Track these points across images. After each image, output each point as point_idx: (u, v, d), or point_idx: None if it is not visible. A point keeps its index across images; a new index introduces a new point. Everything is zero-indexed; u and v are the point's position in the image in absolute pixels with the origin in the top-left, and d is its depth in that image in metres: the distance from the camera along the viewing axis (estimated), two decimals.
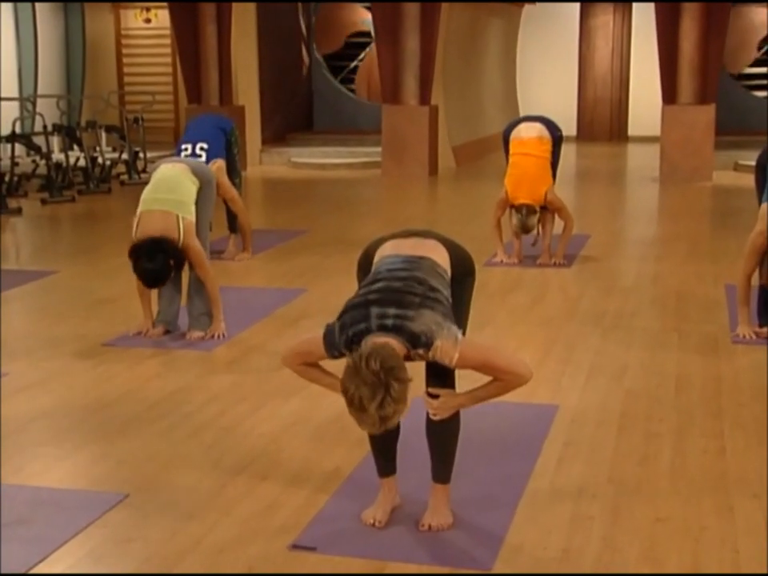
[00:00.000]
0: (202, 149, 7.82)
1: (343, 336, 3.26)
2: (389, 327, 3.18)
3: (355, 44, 18.32)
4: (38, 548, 3.38)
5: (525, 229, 7.59)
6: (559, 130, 7.91)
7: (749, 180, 6.84)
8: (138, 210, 5.74)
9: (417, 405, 3.54)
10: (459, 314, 3.43)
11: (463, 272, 3.53)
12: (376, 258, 3.53)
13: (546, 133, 7.77)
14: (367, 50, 17.89)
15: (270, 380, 5.19)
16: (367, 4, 16.31)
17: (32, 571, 3.25)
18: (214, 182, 6.06)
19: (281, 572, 3.23)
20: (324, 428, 4.50)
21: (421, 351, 3.21)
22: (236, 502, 3.75)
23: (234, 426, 4.53)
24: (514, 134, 7.85)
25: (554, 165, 7.87)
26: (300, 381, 5.08)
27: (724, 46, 13.53)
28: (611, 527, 3.52)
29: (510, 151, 7.81)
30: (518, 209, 7.57)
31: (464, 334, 3.38)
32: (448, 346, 3.19)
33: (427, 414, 3.44)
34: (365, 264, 3.59)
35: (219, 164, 7.78)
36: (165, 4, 15.45)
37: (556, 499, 3.75)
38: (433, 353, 3.21)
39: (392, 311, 3.20)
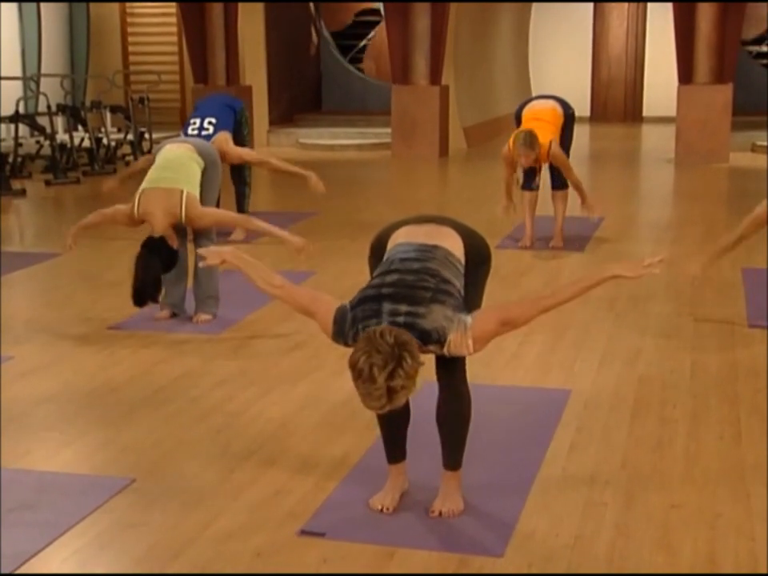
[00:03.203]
0: (210, 123, 7.79)
1: (354, 329, 3.23)
2: (400, 324, 3.15)
3: (364, 23, 18.23)
4: (44, 533, 3.34)
5: (528, 146, 7.42)
6: (571, 108, 7.83)
7: (766, 161, 6.75)
8: (140, 188, 5.69)
9: (428, 389, 3.49)
10: (473, 302, 3.39)
11: (478, 260, 3.48)
12: (389, 245, 3.49)
13: (559, 109, 7.70)
14: (376, 28, 17.80)
15: (277, 364, 5.13)
16: None
17: (37, 556, 3.20)
18: (219, 163, 5.98)
19: (289, 558, 3.18)
20: (333, 413, 4.45)
21: (432, 347, 3.20)
22: (243, 487, 3.70)
23: (241, 411, 4.48)
24: (526, 109, 7.77)
25: (567, 145, 7.78)
26: (308, 365, 5.07)
27: (742, 24, 13.38)
28: (624, 514, 3.46)
29: (522, 122, 7.71)
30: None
31: None
32: (459, 337, 3.17)
33: (438, 400, 3.38)
34: (378, 249, 3.54)
35: (225, 136, 7.75)
36: None
37: (568, 485, 3.69)
38: (447, 348, 3.19)
39: (404, 308, 3.17)
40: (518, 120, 7.84)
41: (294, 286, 3.55)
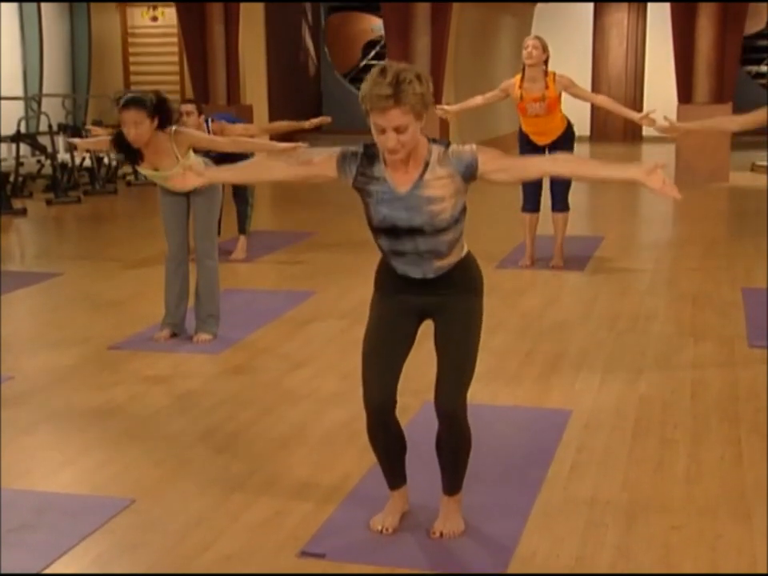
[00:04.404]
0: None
1: (361, 149, 3.23)
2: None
3: (365, 43, 18.29)
4: (43, 554, 3.33)
5: (538, 39, 7.43)
6: (571, 123, 7.80)
7: (766, 181, 6.76)
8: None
9: (426, 412, 3.48)
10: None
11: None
12: None
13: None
14: (377, 48, 17.86)
15: (278, 384, 5.13)
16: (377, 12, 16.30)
17: None
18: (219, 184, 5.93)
19: None
20: (333, 433, 4.44)
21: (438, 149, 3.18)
22: (243, 508, 3.69)
23: (241, 432, 4.47)
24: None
25: None
26: (309, 385, 5.07)
27: (741, 44, 13.41)
28: (625, 535, 3.45)
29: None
30: None
31: (477, 354, 3.34)
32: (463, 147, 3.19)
33: (438, 430, 3.37)
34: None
35: (221, 124, 7.75)
36: (172, 2, 15.43)
37: (569, 506, 3.68)
38: (452, 153, 3.17)
39: None
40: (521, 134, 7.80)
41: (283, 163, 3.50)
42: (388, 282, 3.37)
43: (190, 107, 7.68)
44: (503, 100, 7.74)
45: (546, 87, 7.41)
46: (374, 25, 17.80)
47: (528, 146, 7.61)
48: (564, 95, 7.54)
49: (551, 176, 3.41)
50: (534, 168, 3.38)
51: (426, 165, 3.16)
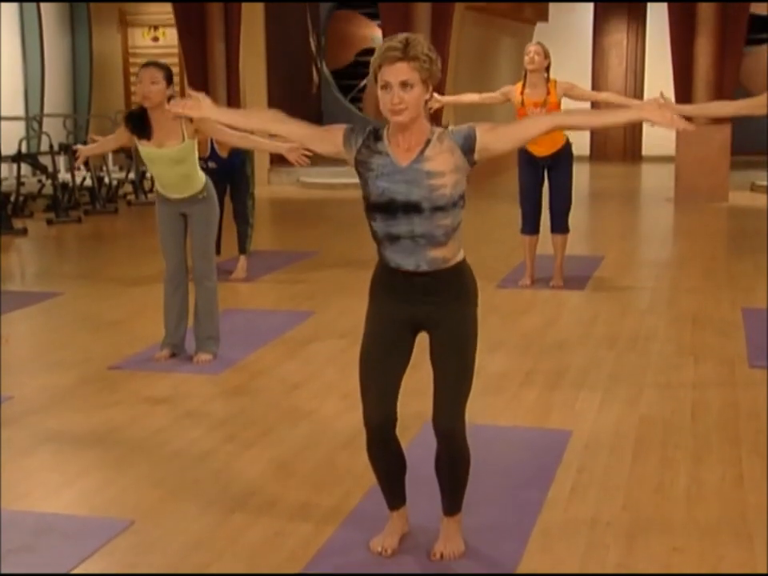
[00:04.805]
0: (212, 164, 7.81)
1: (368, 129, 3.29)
2: None
3: (365, 63, 18.34)
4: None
5: (540, 45, 7.49)
6: (570, 142, 7.80)
7: (765, 201, 6.76)
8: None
9: (425, 434, 3.47)
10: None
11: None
12: None
13: None
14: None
15: (277, 405, 5.12)
16: (379, 21, 16.34)
17: None
18: (215, 201, 5.92)
19: None
20: (333, 454, 4.43)
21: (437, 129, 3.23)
22: (243, 529, 3.68)
23: (240, 452, 4.46)
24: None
25: (568, 181, 7.74)
26: (308, 405, 5.06)
27: (740, 64, 13.45)
28: (626, 556, 3.44)
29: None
30: None
31: (474, 368, 3.33)
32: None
33: (437, 451, 3.36)
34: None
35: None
36: (173, 22, 15.47)
37: (569, 527, 3.67)
38: (451, 131, 3.21)
39: None
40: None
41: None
42: (382, 286, 3.34)
43: None
44: (500, 103, 7.73)
45: (548, 93, 7.44)
46: (375, 35, 17.86)
47: (527, 159, 7.63)
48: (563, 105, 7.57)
49: (556, 126, 3.36)
50: (534, 126, 3.31)
51: (428, 142, 3.20)
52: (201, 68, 14.87)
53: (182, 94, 17.65)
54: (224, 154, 7.97)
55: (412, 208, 3.17)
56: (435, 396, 3.30)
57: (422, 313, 3.29)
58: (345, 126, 3.32)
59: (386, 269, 3.30)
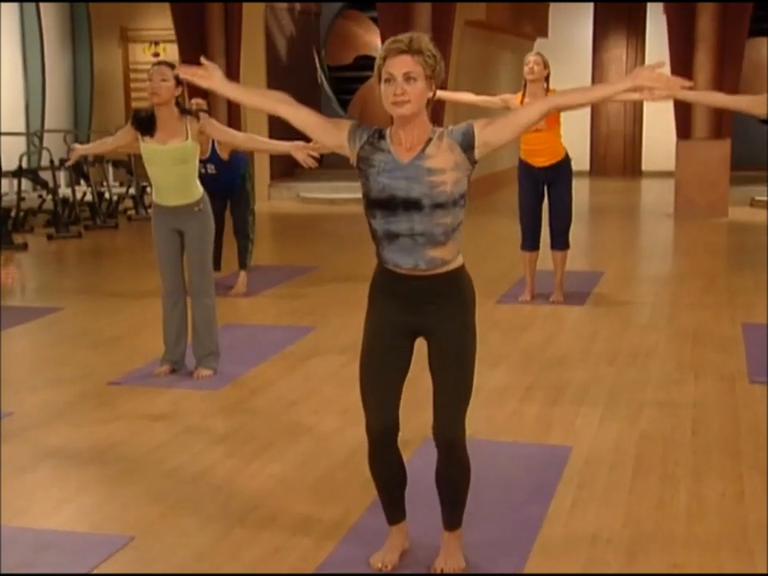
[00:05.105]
0: (211, 168, 7.83)
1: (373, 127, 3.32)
2: None
3: (368, 78, 18.37)
4: None
5: (539, 56, 7.51)
6: (569, 157, 7.80)
7: (765, 216, 6.76)
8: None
9: (426, 449, 3.47)
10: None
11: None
12: None
13: None
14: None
15: (277, 420, 5.11)
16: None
17: None
18: (211, 215, 5.91)
19: None
20: (333, 470, 4.42)
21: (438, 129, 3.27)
22: (243, 545, 3.67)
23: (240, 468, 4.46)
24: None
25: (568, 197, 7.75)
26: (308, 421, 5.05)
27: (739, 79, 13.48)
28: (627, 572, 3.43)
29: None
30: None
31: (473, 375, 3.32)
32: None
33: (437, 463, 3.36)
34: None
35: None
36: (173, 38, 15.52)
37: (570, 543, 3.67)
38: (451, 129, 3.26)
39: None
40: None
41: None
42: (380, 291, 3.34)
43: (202, 102, 7.75)
44: (498, 108, 7.71)
45: None
46: (377, 44, 17.92)
47: (526, 173, 7.64)
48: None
49: (558, 107, 3.38)
50: (532, 111, 3.32)
51: (429, 140, 3.23)
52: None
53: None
54: (225, 155, 7.96)
55: (412, 205, 3.18)
56: (435, 405, 3.30)
57: (421, 318, 3.29)
58: (352, 121, 3.36)
59: (385, 272, 3.31)
